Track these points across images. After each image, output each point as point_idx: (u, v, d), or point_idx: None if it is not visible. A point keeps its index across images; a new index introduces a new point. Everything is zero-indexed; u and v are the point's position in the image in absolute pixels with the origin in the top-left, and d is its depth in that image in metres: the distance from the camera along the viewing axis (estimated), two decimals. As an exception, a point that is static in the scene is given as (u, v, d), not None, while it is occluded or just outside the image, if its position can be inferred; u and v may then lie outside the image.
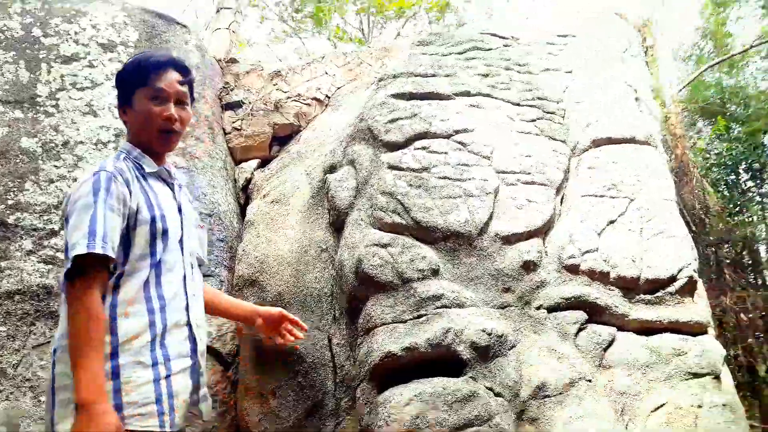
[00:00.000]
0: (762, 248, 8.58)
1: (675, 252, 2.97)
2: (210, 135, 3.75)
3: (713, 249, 8.16)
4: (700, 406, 2.67)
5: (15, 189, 3.09)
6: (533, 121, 3.25)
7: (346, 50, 4.74)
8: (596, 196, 3.07)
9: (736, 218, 8.44)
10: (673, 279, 2.92)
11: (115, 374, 1.45)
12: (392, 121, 3.00)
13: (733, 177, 9.35)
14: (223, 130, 3.98)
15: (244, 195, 3.79)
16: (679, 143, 8.60)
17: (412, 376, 2.45)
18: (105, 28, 3.71)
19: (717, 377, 2.83)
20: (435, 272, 2.62)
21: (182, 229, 1.69)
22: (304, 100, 4.00)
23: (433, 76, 3.30)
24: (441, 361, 2.50)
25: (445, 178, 2.86)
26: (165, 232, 1.61)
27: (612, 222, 3.00)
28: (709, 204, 8.08)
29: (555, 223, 2.98)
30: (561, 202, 3.07)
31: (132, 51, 3.70)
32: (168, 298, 1.57)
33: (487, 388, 2.46)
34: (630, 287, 2.87)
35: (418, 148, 2.94)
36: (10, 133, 3.21)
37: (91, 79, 3.52)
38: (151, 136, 1.72)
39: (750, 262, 8.29)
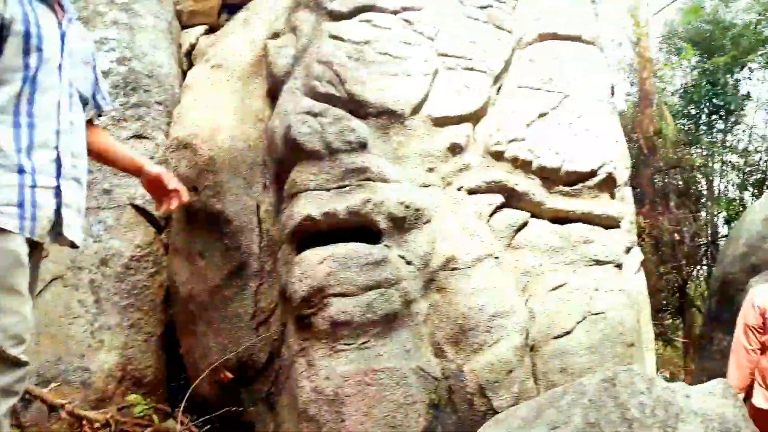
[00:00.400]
0: (710, 180, 8.90)
1: (599, 149, 3.08)
2: (154, -7, 3.60)
3: (664, 174, 8.45)
4: (596, 289, 2.88)
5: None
6: (484, 8, 3.21)
7: None
8: (532, 88, 3.11)
9: (689, 148, 8.68)
10: (592, 174, 3.05)
11: None
12: (338, -11, 2.93)
13: (693, 109, 9.53)
14: (170, -9, 3.82)
15: (188, 61, 3.71)
16: (646, 66, 8.65)
17: (331, 242, 2.56)
18: None
19: (618, 266, 3.04)
20: (363, 146, 2.67)
21: (62, 56, 1.67)
22: (256, -32, 3.84)
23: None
24: (360, 230, 2.61)
25: (385, 54, 2.85)
26: (40, 50, 1.58)
27: (543, 114, 3.07)
28: (664, 131, 8.26)
29: (488, 111, 3.02)
30: (498, 92, 3.10)
31: None
32: (38, 116, 1.56)
33: (399, 256, 2.59)
34: (550, 177, 2.99)
35: (363, 21, 2.90)
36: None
37: None
38: None
39: (694, 191, 8.62)
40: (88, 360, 3.12)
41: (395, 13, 2.98)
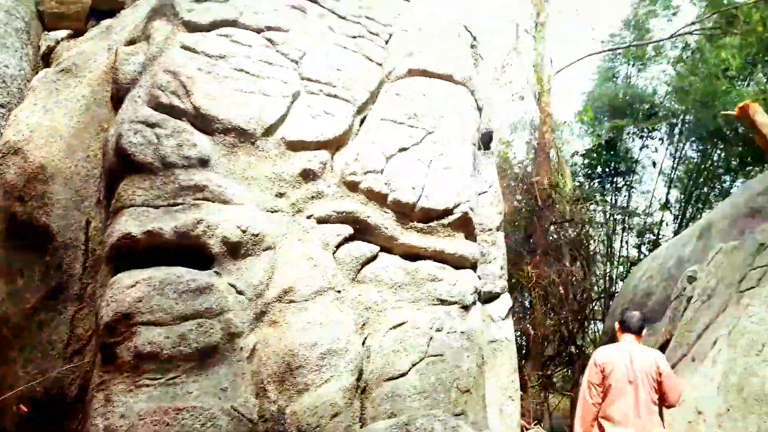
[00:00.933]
0: (609, 237, 9.26)
1: (456, 188, 3.03)
2: (10, -11, 3.33)
3: (558, 227, 8.69)
4: (438, 330, 2.77)
5: None
6: (355, 38, 3.16)
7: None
8: (396, 122, 3.05)
9: (585, 204, 9.01)
10: (448, 212, 2.99)
11: None
12: (199, 1, 2.78)
13: (591, 168, 9.99)
14: (35, -10, 3.55)
15: (44, 64, 3.42)
16: (546, 120, 8.99)
17: (159, 265, 2.32)
18: None
19: (465, 307, 2.95)
20: (204, 163, 2.49)
21: None
22: (133, -24, 3.65)
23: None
24: (192, 253, 2.39)
25: (241, 70, 2.71)
26: None
27: (404, 149, 3.00)
28: (561, 185, 8.54)
29: (349, 140, 2.92)
30: (361, 123, 3.01)
31: None
32: None
33: (229, 284, 2.39)
34: (405, 212, 2.90)
35: (221, 35, 2.76)
36: None
37: None
38: None
39: (586, 247, 8.90)
40: None
41: (258, 31, 2.86)
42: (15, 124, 2.88)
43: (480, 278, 3.21)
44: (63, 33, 3.53)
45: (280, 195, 2.65)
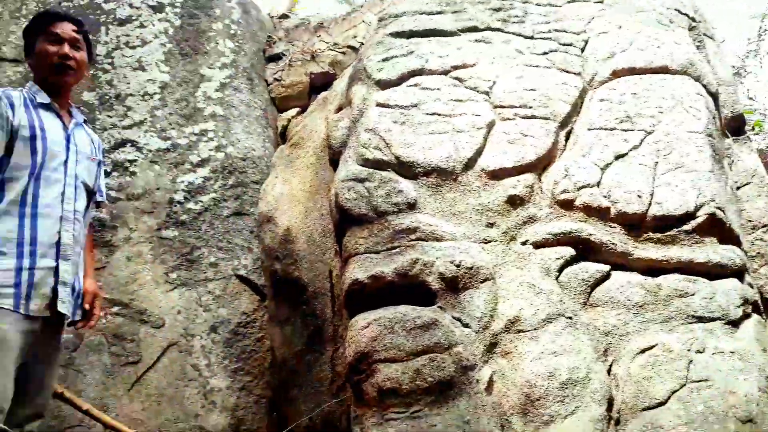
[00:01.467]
0: None
1: (693, 187, 2.73)
2: (248, 85, 4.02)
3: None
4: (699, 351, 2.50)
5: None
6: (545, 53, 3.11)
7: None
8: (605, 129, 2.89)
9: None
10: (688, 216, 2.70)
11: None
12: (386, 59, 3.04)
13: None
14: (266, 81, 4.23)
15: (282, 140, 4.04)
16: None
17: (386, 305, 2.57)
18: (155, -9, 4.09)
19: (731, 323, 2.61)
20: (411, 206, 2.68)
21: (68, 154, 1.97)
22: (339, 49, 4.12)
23: (439, 13, 3.25)
24: (415, 291, 2.59)
25: (433, 114, 2.87)
26: (45, 149, 1.90)
27: (621, 156, 2.82)
28: None
29: (557, 158, 2.87)
30: (567, 137, 2.93)
31: (179, 11, 4.05)
32: (41, 206, 1.88)
33: (454, 318, 2.51)
34: (635, 224, 2.70)
35: (411, 85, 2.96)
36: (74, 88, 3.71)
37: (143, 38, 3.93)
38: (49, 72, 2.05)
39: None
40: (202, 420, 3.41)
41: (445, 73, 3.00)
42: (264, 196, 3.46)
43: (752, 286, 2.82)
44: (293, 111, 4.14)
45: (491, 225, 2.71)
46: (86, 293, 2.11)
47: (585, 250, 2.68)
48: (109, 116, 3.68)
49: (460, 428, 2.32)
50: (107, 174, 3.57)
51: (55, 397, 2.82)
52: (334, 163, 3.04)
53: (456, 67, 3.02)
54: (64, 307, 1.92)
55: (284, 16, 4.63)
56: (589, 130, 2.89)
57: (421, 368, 2.37)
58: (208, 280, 3.60)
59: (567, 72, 3.06)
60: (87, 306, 2.10)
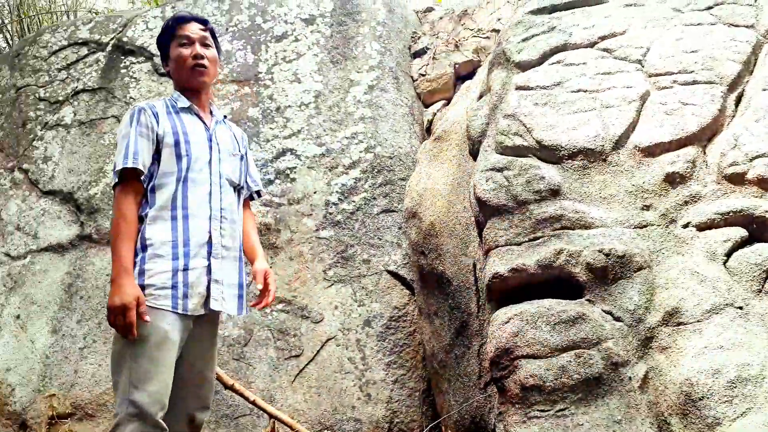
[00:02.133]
0: None
1: None
2: (394, 84, 4.09)
3: None
4: None
5: (243, 149, 3.96)
6: (709, 8, 2.71)
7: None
8: (789, 87, 2.43)
9: None
10: None
11: (142, 262, 1.90)
12: (526, 39, 2.88)
13: None
14: (411, 77, 4.26)
15: (428, 135, 4.04)
16: None
17: (530, 298, 2.43)
18: (307, 4, 4.34)
19: None
20: (555, 193, 2.50)
21: (211, 153, 2.07)
22: (483, 34, 4.01)
23: (584, -19, 3.00)
24: (561, 284, 2.41)
25: (579, 91, 2.65)
26: (189, 153, 2.00)
27: (809, 117, 2.35)
28: None
29: (724, 127, 2.48)
30: (737, 102, 2.52)
31: (328, 20, 4.26)
32: (191, 208, 1.95)
33: (604, 311, 2.29)
34: (827, 199, 2.24)
35: (552, 63, 2.77)
36: (241, 106, 4.09)
37: (297, 51, 4.19)
38: (185, 74, 2.13)
39: None
40: (358, 412, 3.54)
41: (591, 45, 2.75)
42: (409, 192, 3.48)
43: None
44: (438, 105, 4.12)
45: (646, 208, 2.43)
46: (257, 273, 2.16)
47: (759, 229, 2.28)
48: (271, 128, 3.99)
49: (610, 428, 2.11)
50: (271, 182, 3.87)
51: (227, 389, 3.12)
52: (474, 153, 2.95)
53: (603, 38, 2.76)
54: (217, 304, 1.99)
55: (429, 9, 4.63)
56: (764, 90, 2.45)
57: (566, 365, 2.20)
58: (361, 276, 3.72)
59: (736, 26, 2.64)
60: (260, 285, 2.15)
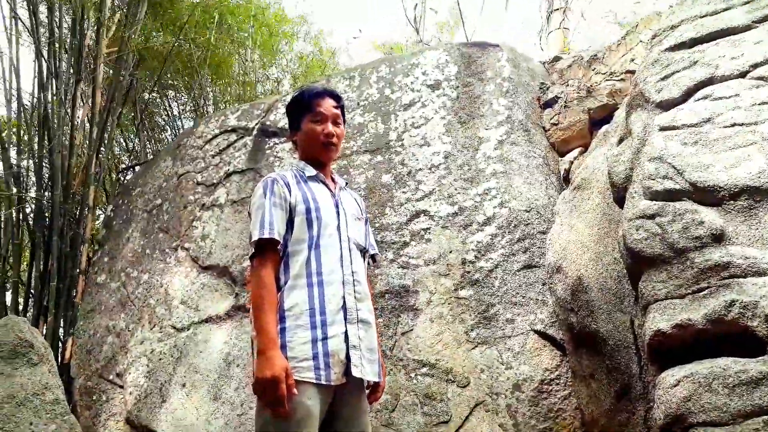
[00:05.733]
0: None
1: None
2: (525, 137, 4.02)
3: None
4: None
5: (379, 215, 4.06)
6: None
7: (661, 9, 4.25)
8: None
9: None
10: None
11: (282, 334, 1.86)
12: (665, 77, 2.71)
13: None
14: (543, 128, 4.17)
15: (566, 185, 3.88)
16: None
17: (699, 357, 2.19)
18: (431, 71, 4.46)
19: None
20: (717, 238, 2.26)
21: (338, 218, 2.07)
22: (617, 77, 3.84)
23: (726, 9, 2.79)
24: (735, 340, 2.14)
25: (733, 125, 2.43)
26: (319, 219, 2.00)
27: None
28: None
29: None
30: None
31: (453, 83, 4.33)
32: (325, 273, 1.93)
33: (795, 371, 1.98)
34: None
35: (699, 99, 2.57)
36: (374, 174, 4.23)
37: (425, 116, 4.29)
38: (317, 149, 2.18)
39: None
40: (517, 484, 3.33)
41: (742, 75, 2.53)
42: (551, 246, 3.34)
43: None
44: (574, 153, 3.97)
45: (834, 248, 2.12)
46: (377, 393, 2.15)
47: None
48: (403, 192, 4.07)
49: None
50: (406, 244, 3.91)
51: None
52: (620, 201, 2.78)
53: (756, 65, 2.54)
54: (358, 371, 1.93)
55: (556, 59, 4.55)
56: None
57: (756, 434, 1.91)
58: (506, 337, 3.57)
59: None
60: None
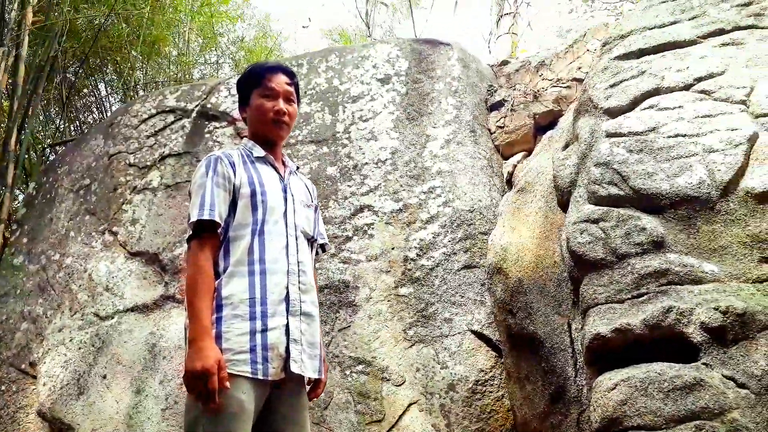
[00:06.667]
0: None
1: None
2: (471, 138, 4.02)
3: None
4: None
5: (323, 207, 3.96)
6: (819, 42, 2.50)
7: (608, 20, 4.38)
8: None
9: None
10: None
11: (218, 324, 1.75)
12: (614, 85, 2.75)
13: None
14: (489, 130, 4.18)
15: (508, 188, 3.91)
16: None
17: (636, 362, 2.22)
18: (382, 65, 4.39)
19: None
20: (658, 245, 2.30)
21: (286, 204, 1.95)
22: (563, 84, 3.90)
23: (674, 23, 2.87)
24: (671, 346, 2.18)
25: (677, 136, 2.48)
26: (264, 204, 1.87)
27: None
28: None
29: None
30: None
31: (403, 78, 4.29)
32: (269, 261, 1.81)
33: (725, 377, 2.04)
34: None
35: (645, 108, 2.62)
36: (319, 165, 4.13)
37: (373, 110, 4.22)
38: (265, 127, 2.05)
39: None
40: (446, 484, 3.31)
41: (687, 88, 2.59)
42: (492, 247, 3.34)
43: None
44: (518, 156, 4.00)
45: (765, 260, 2.19)
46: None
47: None
48: (348, 186, 3.99)
49: None
50: (349, 239, 3.83)
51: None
52: (564, 205, 2.80)
53: (700, 79, 2.60)
54: (297, 366, 1.82)
55: (504, 63, 4.59)
56: None
57: (687, 439, 1.95)
58: (443, 336, 3.56)
59: None
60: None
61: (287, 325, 1.83)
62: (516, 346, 3.12)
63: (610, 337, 2.23)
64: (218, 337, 1.75)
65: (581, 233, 2.44)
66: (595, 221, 2.44)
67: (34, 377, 4.22)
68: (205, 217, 1.83)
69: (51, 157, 6.51)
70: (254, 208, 1.90)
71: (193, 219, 1.85)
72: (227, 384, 1.68)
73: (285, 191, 2.01)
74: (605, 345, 2.25)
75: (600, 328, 2.27)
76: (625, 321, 2.22)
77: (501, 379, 3.46)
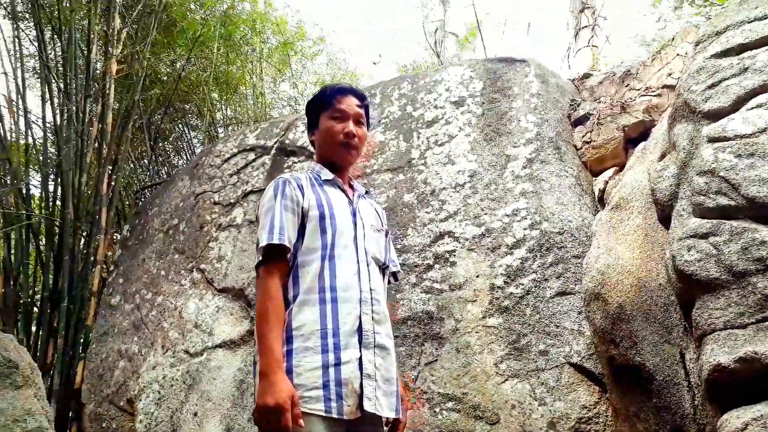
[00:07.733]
0: None
1: None
2: (556, 155, 3.79)
3: None
4: None
5: (401, 236, 3.85)
6: None
7: (700, 21, 4.05)
8: None
9: None
10: None
11: (288, 357, 1.64)
12: (713, 85, 2.48)
13: None
14: (575, 147, 3.95)
15: (601, 206, 3.64)
16: None
17: (766, 396, 1.92)
18: (455, 87, 4.28)
19: None
20: (783, 260, 2.01)
21: (355, 229, 1.85)
22: (653, 92, 3.62)
23: (779, 12, 2.57)
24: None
25: (799, 135, 2.18)
26: (333, 227, 1.78)
27: None
28: None
29: None
30: None
31: (478, 99, 4.15)
32: (340, 289, 1.70)
33: None
34: None
35: (752, 108, 2.34)
36: (396, 193, 4.04)
37: (449, 134, 4.10)
38: (334, 149, 1.97)
39: None
40: None
41: (802, 79, 2.29)
42: (588, 271, 3.08)
43: None
44: (609, 172, 3.73)
45: None
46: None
47: None
48: (427, 212, 3.87)
49: None
50: (430, 267, 3.69)
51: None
52: (665, 220, 2.54)
53: (817, 70, 2.29)
54: (371, 404, 1.68)
55: (586, 76, 4.35)
56: None
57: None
58: (539, 370, 3.31)
59: None
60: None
61: (360, 359, 1.71)
62: (621, 380, 2.83)
63: (733, 368, 1.95)
64: (288, 372, 1.64)
65: (689, 250, 2.17)
66: (704, 236, 2.17)
67: (132, 414, 4.32)
68: (275, 241, 1.75)
69: (143, 200, 6.84)
70: (323, 231, 1.81)
71: (263, 244, 1.77)
72: (301, 422, 1.57)
73: (354, 215, 1.91)
74: (728, 377, 1.97)
75: (720, 358, 1.99)
76: (750, 349, 1.93)
77: (607, 416, 3.16)
